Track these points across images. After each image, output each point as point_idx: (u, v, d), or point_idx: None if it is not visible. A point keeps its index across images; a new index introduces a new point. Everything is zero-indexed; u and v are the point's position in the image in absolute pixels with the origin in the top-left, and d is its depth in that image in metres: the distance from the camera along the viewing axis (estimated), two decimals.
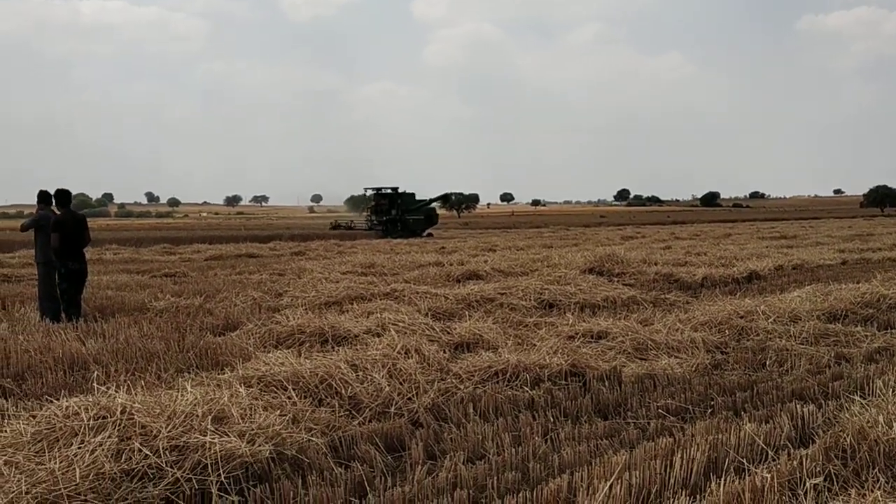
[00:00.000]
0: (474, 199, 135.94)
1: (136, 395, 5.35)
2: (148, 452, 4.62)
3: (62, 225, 11.10)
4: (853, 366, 7.76)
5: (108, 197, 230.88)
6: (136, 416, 4.90)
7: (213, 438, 4.81)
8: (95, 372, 7.34)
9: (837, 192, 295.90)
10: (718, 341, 8.93)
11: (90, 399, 5.19)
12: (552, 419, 6.12)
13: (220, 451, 4.71)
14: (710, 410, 6.34)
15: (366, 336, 8.68)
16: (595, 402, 6.60)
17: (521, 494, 4.46)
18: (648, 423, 6.01)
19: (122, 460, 4.57)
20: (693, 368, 7.83)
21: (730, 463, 4.92)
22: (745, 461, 4.93)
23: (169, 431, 4.80)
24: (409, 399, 6.53)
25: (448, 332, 9.09)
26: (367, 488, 4.80)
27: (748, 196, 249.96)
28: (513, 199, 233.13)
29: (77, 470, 4.42)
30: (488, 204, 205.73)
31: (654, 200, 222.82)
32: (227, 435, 4.91)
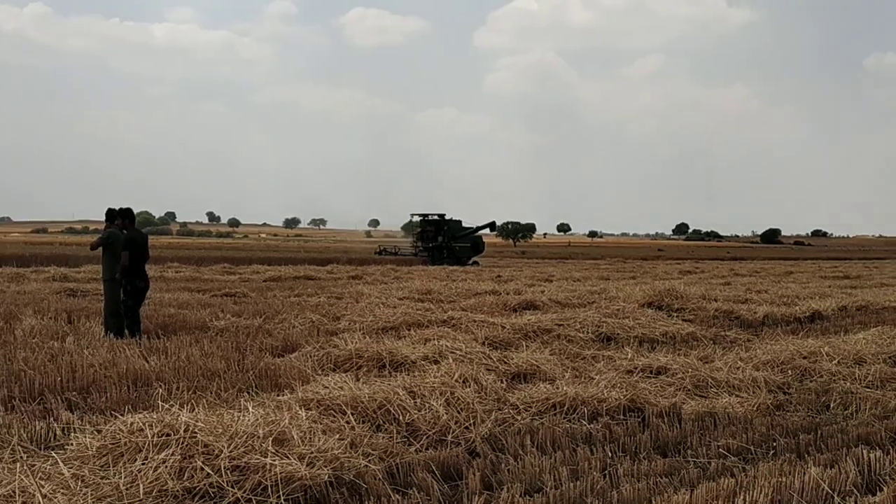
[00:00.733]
0: (531, 228, 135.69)
1: (198, 413, 5.41)
2: (210, 471, 4.68)
3: (134, 244, 11.39)
4: None
5: (170, 216, 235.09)
6: (198, 435, 4.96)
7: (274, 460, 4.85)
8: (158, 389, 7.48)
9: None
10: (781, 381, 8.76)
11: (154, 416, 5.28)
12: (610, 454, 6.05)
13: (281, 473, 4.75)
14: (772, 452, 6.21)
15: (423, 363, 8.70)
16: (654, 438, 6.51)
17: None
18: (709, 463, 5.90)
19: (185, 478, 4.63)
20: (754, 408, 7.68)
21: None
22: None
23: (230, 451, 4.85)
24: (467, 428, 6.51)
25: (505, 362, 9.05)
26: None
27: (810, 234, 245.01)
28: (569, 229, 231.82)
29: (141, 486, 4.50)
30: (545, 234, 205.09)
31: (713, 235, 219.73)
32: (288, 457, 4.95)
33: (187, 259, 37.76)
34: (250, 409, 5.72)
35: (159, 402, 6.03)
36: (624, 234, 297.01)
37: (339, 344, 9.67)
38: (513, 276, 30.57)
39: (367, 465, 5.39)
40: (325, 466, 5.06)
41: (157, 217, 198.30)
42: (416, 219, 54.18)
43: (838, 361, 9.46)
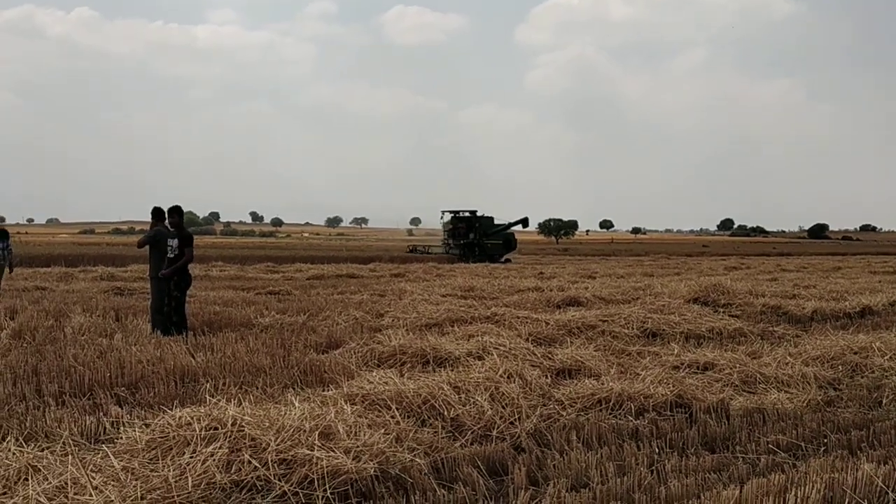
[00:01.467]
0: (573, 225, 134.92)
1: (245, 408, 5.46)
2: (257, 465, 4.71)
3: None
4: None
5: (214, 215, 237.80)
6: (246, 429, 5.01)
7: (320, 454, 4.88)
8: (205, 384, 7.55)
9: None
10: (831, 377, 8.62)
11: (202, 410, 5.33)
12: (657, 450, 5.99)
13: (327, 467, 4.77)
14: (823, 448, 6.10)
15: (467, 359, 8.68)
16: (702, 434, 6.43)
17: None
18: (759, 459, 5.81)
19: (233, 471, 4.68)
20: (804, 404, 7.56)
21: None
22: (864, 502, 4.72)
23: (277, 445, 4.89)
24: (511, 423, 6.49)
25: (549, 358, 9.00)
26: None
27: (858, 229, 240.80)
28: (612, 226, 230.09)
29: (189, 479, 4.54)
30: (587, 231, 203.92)
31: (759, 231, 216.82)
32: (334, 451, 4.97)
33: (231, 258, 38.18)
34: (296, 403, 5.76)
35: (207, 396, 6.09)
36: (668, 231, 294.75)
37: (382, 340, 9.69)
38: (555, 272, 30.44)
39: (412, 460, 5.40)
40: (371, 460, 5.07)
41: (201, 217, 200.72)
42: (448, 216, 52.37)
43: (890, 357, 9.27)
